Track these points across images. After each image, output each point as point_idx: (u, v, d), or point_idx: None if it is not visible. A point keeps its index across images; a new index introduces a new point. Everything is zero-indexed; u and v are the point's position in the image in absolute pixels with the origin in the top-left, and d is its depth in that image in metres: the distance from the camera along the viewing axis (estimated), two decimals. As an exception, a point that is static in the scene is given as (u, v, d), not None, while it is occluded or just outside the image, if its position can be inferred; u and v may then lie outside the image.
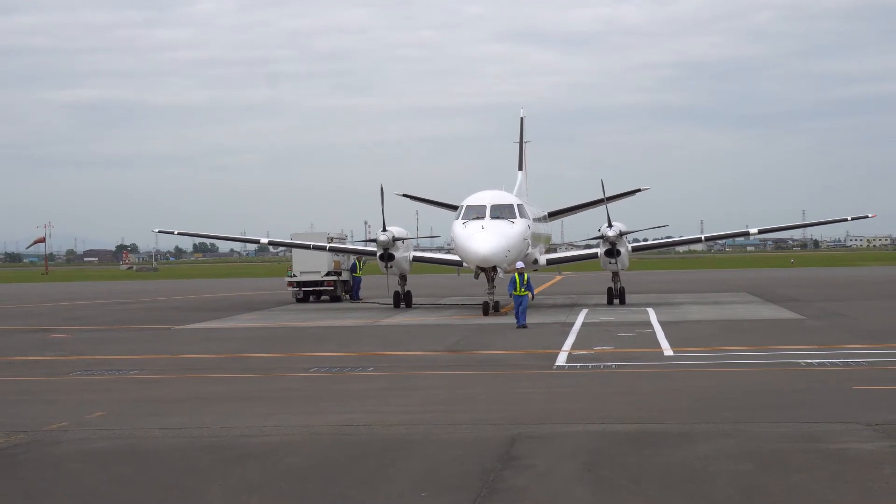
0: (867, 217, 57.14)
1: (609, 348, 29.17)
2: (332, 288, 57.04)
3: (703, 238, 64.27)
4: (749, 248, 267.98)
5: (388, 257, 47.76)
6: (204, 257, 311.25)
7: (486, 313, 42.34)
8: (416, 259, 52.12)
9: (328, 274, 56.76)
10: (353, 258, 58.44)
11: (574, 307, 47.44)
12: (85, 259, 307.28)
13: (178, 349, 31.89)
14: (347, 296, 58.25)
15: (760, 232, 56.64)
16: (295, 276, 57.41)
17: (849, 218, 57.88)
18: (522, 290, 36.80)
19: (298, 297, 57.21)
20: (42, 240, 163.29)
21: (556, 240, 66.54)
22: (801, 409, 18.26)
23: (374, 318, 43.82)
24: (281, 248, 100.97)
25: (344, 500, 12.84)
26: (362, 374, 24.95)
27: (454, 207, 46.65)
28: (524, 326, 36.07)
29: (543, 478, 13.50)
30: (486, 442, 15.82)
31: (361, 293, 58.52)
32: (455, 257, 48.86)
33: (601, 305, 47.93)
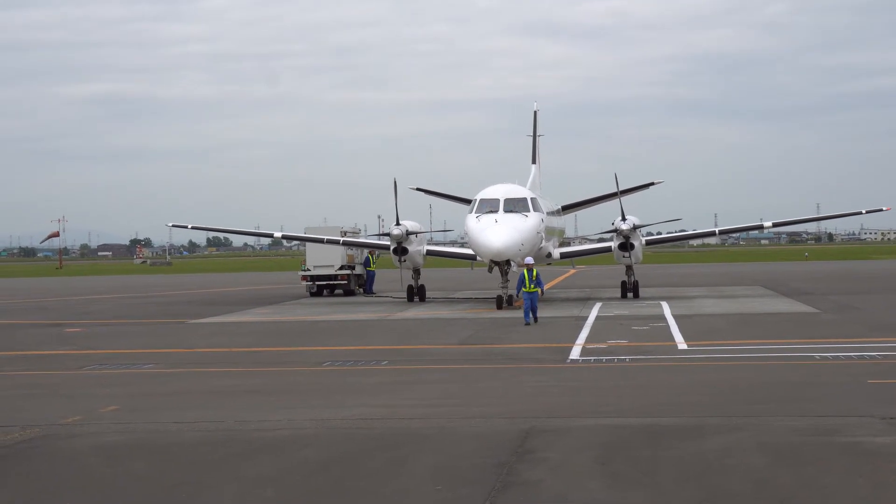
0: (882, 210, 57.03)
1: (623, 342, 29.13)
2: (345, 282, 57.08)
3: (717, 231, 64.12)
4: (763, 242, 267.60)
5: (401, 251, 47.79)
6: (217, 251, 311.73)
7: (499, 307, 42.31)
8: (429, 253, 52.12)
9: (342, 268, 56.79)
10: (366, 252, 58.46)
11: (588, 301, 47.37)
12: (99, 253, 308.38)
13: (193, 343, 31.96)
14: (361, 290, 58.30)
15: (775, 225, 56.57)
16: (308, 269, 57.44)
17: (863, 211, 57.81)
18: (532, 286, 35.63)
19: (312, 290, 57.23)
20: (56, 234, 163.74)
21: (569, 233, 66.55)
22: (815, 403, 18.22)
23: (388, 311, 43.84)
24: (294, 242, 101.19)
25: (358, 493, 12.85)
26: (376, 367, 24.97)
27: (467, 201, 46.67)
28: (534, 321, 35.18)
29: (557, 471, 13.49)
30: (499, 435, 15.82)
31: (375, 287, 58.54)
32: (468, 251, 48.87)
33: (615, 299, 47.86)
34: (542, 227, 45.02)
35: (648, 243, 54.55)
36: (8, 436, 16.66)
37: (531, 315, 35.47)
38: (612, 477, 13.22)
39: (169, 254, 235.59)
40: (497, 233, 42.04)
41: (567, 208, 56.17)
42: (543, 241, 46.49)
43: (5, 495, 13.11)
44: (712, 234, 61.02)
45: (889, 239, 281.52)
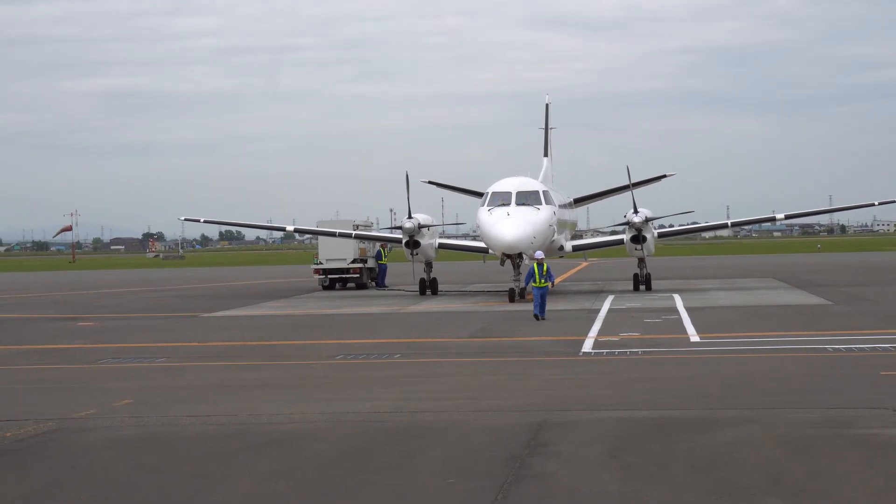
0: (894, 202, 56.92)
1: (635, 334, 29.12)
2: (357, 275, 57.14)
3: (729, 224, 64.17)
4: (776, 234, 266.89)
5: (413, 244, 47.79)
6: (230, 245, 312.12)
7: (511, 300, 42.31)
8: (441, 246, 52.14)
9: (354, 261, 56.83)
10: (378, 245, 58.49)
11: (600, 293, 47.35)
12: (111, 247, 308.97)
13: (205, 337, 32.02)
14: (373, 283, 58.32)
15: (787, 217, 56.46)
16: (321, 263, 57.52)
17: (876, 203, 57.69)
18: (542, 280, 34.51)
19: (324, 284, 57.30)
20: (69, 228, 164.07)
21: (581, 226, 66.52)
22: (827, 395, 18.21)
23: (400, 305, 43.86)
24: (307, 236, 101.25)
25: (370, 486, 12.87)
26: (388, 361, 25.00)
27: (479, 194, 46.66)
28: (543, 318, 34.11)
29: (570, 464, 13.50)
30: (512, 428, 15.83)
31: (387, 280, 58.56)
32: (480, 244, 48.88)
33: (627, 292, 47.83)
34: (554, 220, 45.00)
35: (660, 236, 54.52)
36: (22, 429, 16.73)
37: (542, 310, 34.53)
38: (624, 470, 13.22)
39: (181, 248, 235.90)
40: (509, 226, 42.02)
41: (579, 201, 56.16)
42: (556, 234, 46.48)
43: (21, 489, 13.16)
44: (724, 226, 61.00)
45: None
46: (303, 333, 32.60)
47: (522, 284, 42.65)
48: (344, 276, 57.35)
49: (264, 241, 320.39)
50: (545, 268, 35.07)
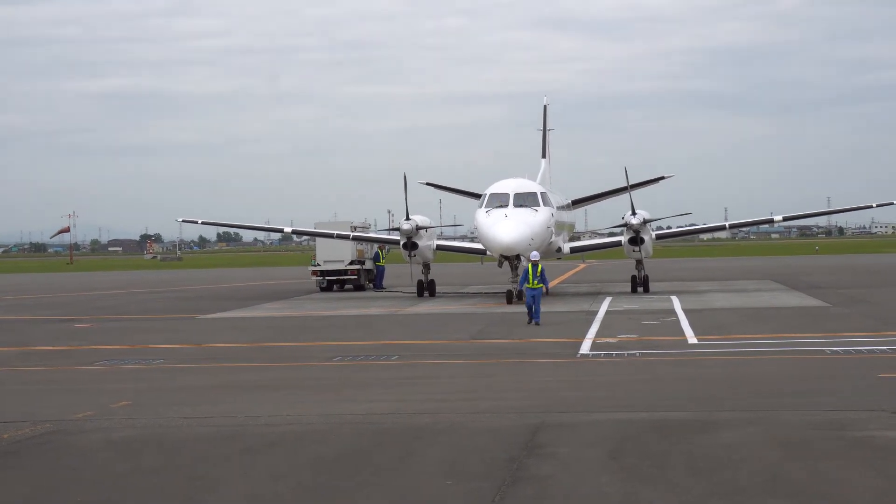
0: (892, 204, 56.95)
1: (633, 336, 29.11)
2: (355, 277, 57.11)
3: (727, 226, 64.13)
4: (774, 236, 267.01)
5: (411, 246, 47.76)
6: (228, 246, 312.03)
7: (509, 302, 42.29)
8: (439, 248, 52.12)
9: (352, 263, 56.83)
10: (376, 247, 58.49)
11: (598, 295, 47.36)
12: (109, 248, 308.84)
13: (203, 338, 31.99)
14: (371, 284, 58.30)
15: (785, 219, 56.43)
16: (319, 264, 57.50)
17: (874, 205, 57.67)
18: (536, 282, 33.90)
19: (322, 285, 57.29)
20: (67, 229, 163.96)
21: (579, 228, 66.58)
22: (826, 397, 18.20)
23: (398, 306, 43.86)
24: (305, 238, 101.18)
25: (368, 488, 12.86)
26: (386, 362, 24.98)
27: (477, 196, 46.64)
28: (537, 324, 33.15)
29: (568, 466, 13.49)
30: (510, 430, 15.82)
31: (385, 282, 58.55)
32: (478, 246, 48.86)
33: (625, 293, 47.82)
34: (552, 222, 45.02)
35: (658, 237, 54.47)
36: (20, 431, 16.71)
37: (538, 314, 33.49)
38: (622, 471, 13.21)
39: (179, 249, 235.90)
40: (507, 227, 42.02)
41: (577, 203, 56.19)
42: (553, 236, 46.48)
43: (18, 490, 13.15)
44: (722, 228, 60.99)
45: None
46: (300, 335, 32.58)
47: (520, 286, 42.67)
48: (342, 277, 57.34)
49: (262, 242, 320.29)
50: (539, 269, 34.44)
